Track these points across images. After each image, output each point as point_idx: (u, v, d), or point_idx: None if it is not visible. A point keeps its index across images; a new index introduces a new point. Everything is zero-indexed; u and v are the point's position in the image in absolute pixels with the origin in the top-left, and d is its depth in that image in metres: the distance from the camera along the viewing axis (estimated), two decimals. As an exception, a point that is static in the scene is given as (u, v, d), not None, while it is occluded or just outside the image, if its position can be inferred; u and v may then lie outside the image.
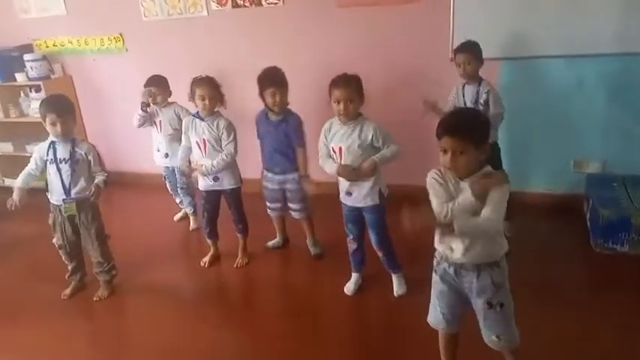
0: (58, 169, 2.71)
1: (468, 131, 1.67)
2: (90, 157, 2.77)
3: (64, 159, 2.71)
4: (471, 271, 1.80)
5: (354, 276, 2.85)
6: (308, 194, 3.06)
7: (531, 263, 3.03)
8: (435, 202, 1.78)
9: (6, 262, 3.49)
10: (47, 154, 2.73)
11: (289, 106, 3.00)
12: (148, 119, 3.60)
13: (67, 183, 2.72)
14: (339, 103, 2.45)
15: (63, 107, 2.69)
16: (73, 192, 2.74)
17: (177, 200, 3.98)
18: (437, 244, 1.88)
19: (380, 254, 2.75)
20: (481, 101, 3.07)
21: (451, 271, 1.85)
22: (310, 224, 3.23)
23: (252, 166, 3.29)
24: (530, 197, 3.69)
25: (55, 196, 2.77)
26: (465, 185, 1.72)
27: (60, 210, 2.78)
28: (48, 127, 2.68)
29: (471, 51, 3.03)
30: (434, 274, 1.94)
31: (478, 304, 1.84)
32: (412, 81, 3.70)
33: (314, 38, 3.83)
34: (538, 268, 2.97)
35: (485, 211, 1.66)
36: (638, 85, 3.28)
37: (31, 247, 3.55)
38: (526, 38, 3.34)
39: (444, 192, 1.76)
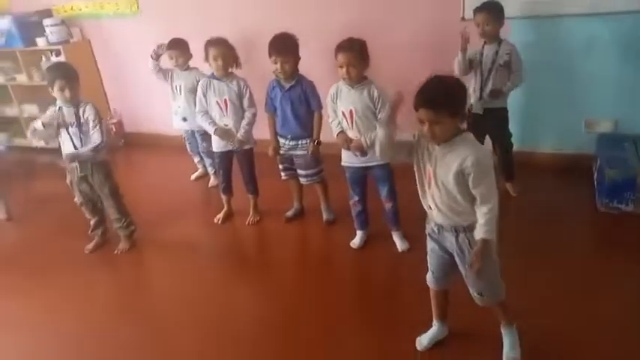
0: (68, 133, 2.85)
1: (443, 103, 1.68)
2: (90, 119, 2.84)
3: (72, 123, 2.84)
4: (449, 232, 1.86)
5: (360, 233, 2.97)
6: (319, 159, 3.04)
7: (535, 222, 3.09)
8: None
9: (35, 220, 3.72)
10: (58, 119, 2.84)
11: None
12: (161, 72, 3.73)
13: (77, 145, 2.86)
14: (341, 67, 2.52)
15: (70, 74, 2.79)
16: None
17: (196, 160, 4.12)
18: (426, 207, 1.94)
19: (389, 205, 2.82)
20: (500, 62, 3.06)
21: (436, 229, 1.92)
22: (324, 188, 3.19)
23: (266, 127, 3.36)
24: (540, 158, 3.71)
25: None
26: (438, 150, 1.77)
27: (74, 170, 2.94)
28: (56, 93, 2.79)
29: (490, 11, 3.00)
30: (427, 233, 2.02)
31: (459, 263, 1.91)
32: (424, 41, 3.68)
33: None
34: (541, 227, 3.02)
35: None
36: (653, 43, 3.21)
37: (59, 205, 3.72)
38: (538, -4, 3.28)
39: (407, 147, 1.85)
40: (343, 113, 2.64)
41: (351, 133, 2.66)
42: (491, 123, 3.22)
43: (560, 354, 2.10)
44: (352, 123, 2.63)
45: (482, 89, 3.15)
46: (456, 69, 3.12)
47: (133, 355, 2.36)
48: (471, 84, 3.20)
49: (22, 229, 3.66)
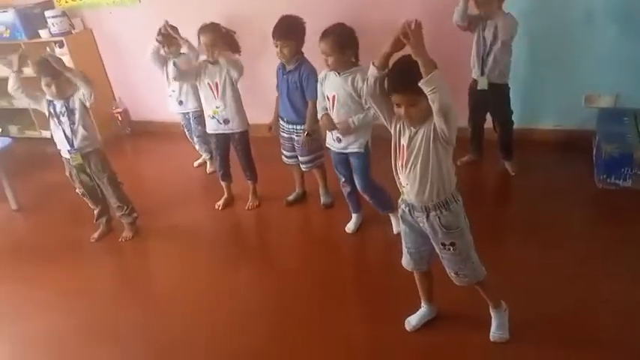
0: (59, 122, 2.91)
1: (414, 85, 1.65)
2: (83, 99, 2.86)
3: (63, 112, 2.90)
4: (420, 212, 1.89)
5: (354, 216, 3.01)
6: (318, 146, 3.05)
7: (533, 200, 3.10)
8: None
9: (43, 210, 3.83)
10: (48, 110, 2.91)
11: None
12: (160, 58, 3.74)
13: (69, 135, 2.92)
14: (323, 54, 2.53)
15: (56, 69, 2.80)
16: (76, 143, 2.94)
17: (197, 147, 4.18)
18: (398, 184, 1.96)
19: (367, 198, 2.86)
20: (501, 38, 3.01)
21: (407, 210, 1.95)
22: (322, 173, 3.24)
23: (264, 110, 3.40)
24: (540, 134, 3.68)
25: (62, 149, 2.99)
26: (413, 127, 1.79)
27: (70, 162, 3.01)
28: (43, 88, 2.84)
29: None
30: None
31: (433, 243, 1.94)
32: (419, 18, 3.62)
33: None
34: (539, 205, 3.03)
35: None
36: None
37: (66, 195, 3.75)
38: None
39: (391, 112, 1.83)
40: (328, 97, 2.65)
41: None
42: (492, 99, 3.20)
43: (559, 332, 2.12)
44: (333, 107, 2.65)
45: (483, 64, 3.11)
46: (455, 15, 3.06)
47: (138, 339, 2.46)
48: (472, 56, 3.17)
49: (31, 218, 3.77)
